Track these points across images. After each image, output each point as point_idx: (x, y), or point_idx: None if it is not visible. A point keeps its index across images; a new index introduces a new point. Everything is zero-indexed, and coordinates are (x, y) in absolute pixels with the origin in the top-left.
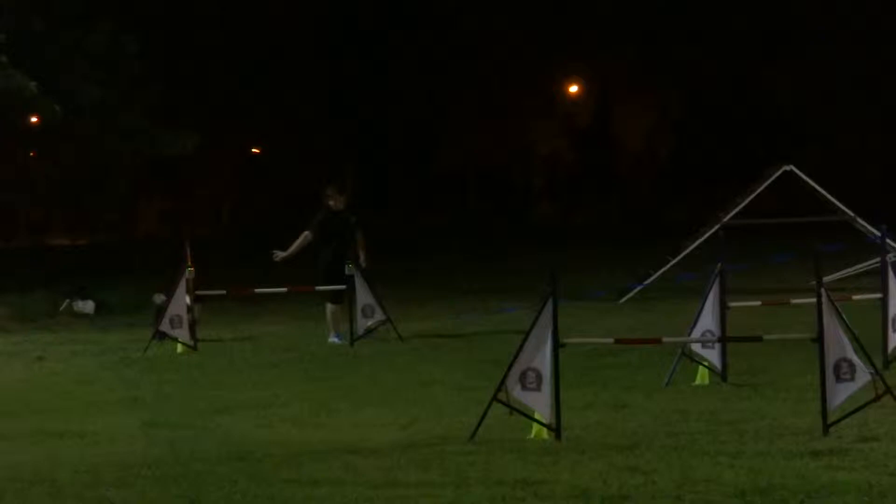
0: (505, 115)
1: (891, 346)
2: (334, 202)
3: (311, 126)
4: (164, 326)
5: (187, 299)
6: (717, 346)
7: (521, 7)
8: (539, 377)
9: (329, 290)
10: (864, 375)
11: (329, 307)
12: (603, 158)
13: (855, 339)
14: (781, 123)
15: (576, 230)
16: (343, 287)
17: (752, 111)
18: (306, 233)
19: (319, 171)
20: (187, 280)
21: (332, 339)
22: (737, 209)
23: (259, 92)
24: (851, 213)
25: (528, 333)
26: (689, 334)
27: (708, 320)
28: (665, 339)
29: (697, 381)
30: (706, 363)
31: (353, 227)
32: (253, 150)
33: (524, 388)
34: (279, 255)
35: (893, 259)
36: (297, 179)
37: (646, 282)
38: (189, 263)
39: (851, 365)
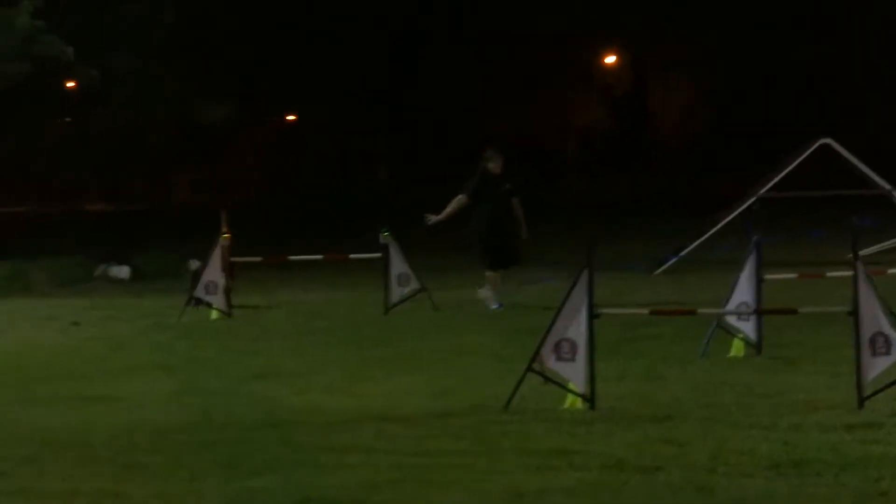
0: (540, 86)
1: None
2: (493, 165)
3: (344, 97)
4: (199, 292)
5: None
6: (753, 318)
7: None
8: (574, 347)
9: (486, 256)
10: None
11: (488, 274)
12: (639, 130)
13: (891, 313)
14: (817, 96)
15: (611, 201)
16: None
17: (788, 84)
18: (461, 196)
19: (352, 142)
20: (222, 247)
21: (492, 307)
22: (773, 182)
23: (292, 62)
24: (888, 187)
25: (562, 304)
26: (725, 306)
27: (743, 292)
28: (700, 311)
29: (732, 354)
30: (741, 335)
31: (507, 193)
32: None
33: (559, 358)
34: (432, 218)
35: None
36: (330, 150)
37: (681, 253)
38: (224, 230)
39: (887, 339)
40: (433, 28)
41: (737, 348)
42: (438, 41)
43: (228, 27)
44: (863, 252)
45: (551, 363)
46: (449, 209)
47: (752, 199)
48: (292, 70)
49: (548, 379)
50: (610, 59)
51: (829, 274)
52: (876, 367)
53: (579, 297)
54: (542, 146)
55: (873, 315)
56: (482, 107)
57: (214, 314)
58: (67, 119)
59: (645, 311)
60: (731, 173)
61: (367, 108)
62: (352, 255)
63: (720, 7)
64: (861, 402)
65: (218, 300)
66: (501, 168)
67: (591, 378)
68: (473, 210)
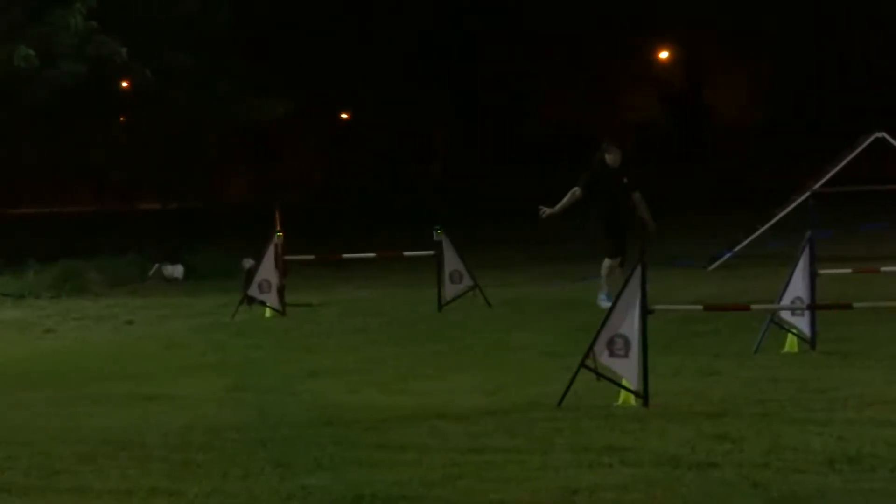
0: (597, 80)
1: None
2: (610, 157)
3: (402, 93)
4: (253, 291)
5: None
6: (807, 313)
7: None
8: (627, 344)
9: (608, 246)
10: None
11: (606, 262)
12: (695, 125)
13: None
14: (875, 88)
15: (667, 197)
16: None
17: (845, 78)
18: (575, 189)
19: (409, 138)
20: (276, 245)
21: (601, 302)
22: (827, 176)
23: (349, 58)
24: None
25: (616, 299)
26: (779, 302)
27: (798, 288)
28: (754, 307)
29: (786, 349)
30: (795, 331)
31: (625, 187)
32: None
33: (612, 354)
34: (546, 211)
35: None
36: (387, 146)
37: (735, 249)
38: (278, 229)
39: None
40: (489, 26)
41: (791, 344)
42: (494, 39)
43: (282, 24)
44: None
45: (605, 359)
46: (562, 202)
47: (807, 194)
48: (347, 66)
49: (601, 375)
50: (663, 55)
51: (884, 269)
52: None
53: (633, 293)
54: (598, 141)
55: None
56: (538, 105)
57: (268, 312)
58: (122, 118)
59: (699, 306)
60: (788, 166)
61: (420, 105)
62: (405, 253)
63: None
64: None
65: (272, 299)
66: (619, 161)
67: (645, 374)
68: (590, 204)
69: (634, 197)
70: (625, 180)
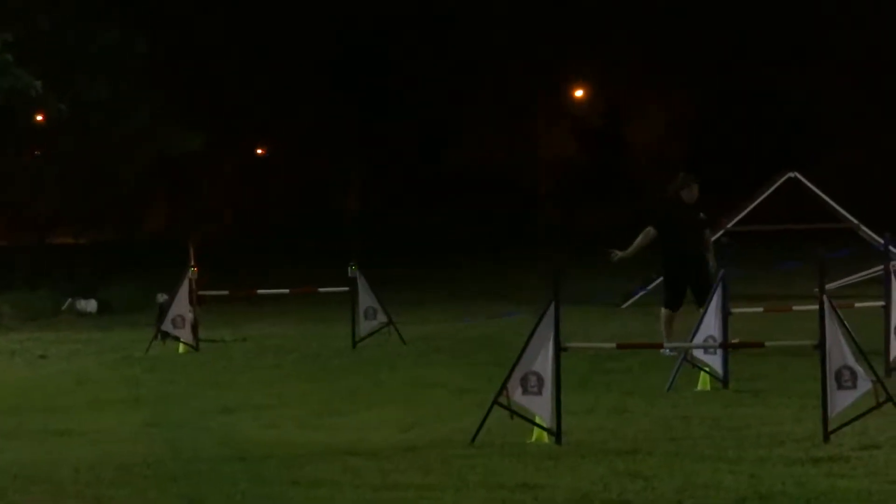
0: (513, 117)
1: (892, 354)
2: (687, 193)
3: (317, 128)
4: (167, 326)
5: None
6: (720, 351)
7: (532, 9)
8: (540, 381)
9: (666, 293)
10: (865, 383)
11: (663, 312)
12: (612, 161)
13: (857, 347)
14: (794, 126)
15: (582, 233)
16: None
17: (763, 114)
18: (649, 228)
19: (325, 173)
20: (190, 280)
21: (664, 351)
22: (741, 215)
23: (264, 91)
24: (855, 221)
25: (530, 337)
26: (692, 340)
27: (710, 326)
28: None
29: (699, 387)
30: (708, 369)
31: (701, 223)
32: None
33: (525, 391)
34: (617, 254)
35: None
36: (301, 182)
37: (649, 286)
38: (192, 263)
39: (853, 372)
40: (404, 59)
41: (703, 382)
42: (410, 72)
43: (199, 58)
44: (829, 285)
45: (518, 397)
46: (636, 243)
47: (720, 233)
48: (263, 102)
49: (514, 413)
50: (579, 93)
51: (796, 307)
52: (842, 401)
53: (546, 331)
54: (513, 178)
55: (839, 349)
56: (454, 139)
57: (182, 348)
58: (37, 152)
59: (612, 344)
60: (708, 204)
61: (337, 140)
62: (320, 289)
63: (693, 37)
64: (827, 435)
65: (185, 334)
66: (696, 197)
67: (558, 412)
68: (662, 243)
69: (706, 233)
70: (702, 215)
